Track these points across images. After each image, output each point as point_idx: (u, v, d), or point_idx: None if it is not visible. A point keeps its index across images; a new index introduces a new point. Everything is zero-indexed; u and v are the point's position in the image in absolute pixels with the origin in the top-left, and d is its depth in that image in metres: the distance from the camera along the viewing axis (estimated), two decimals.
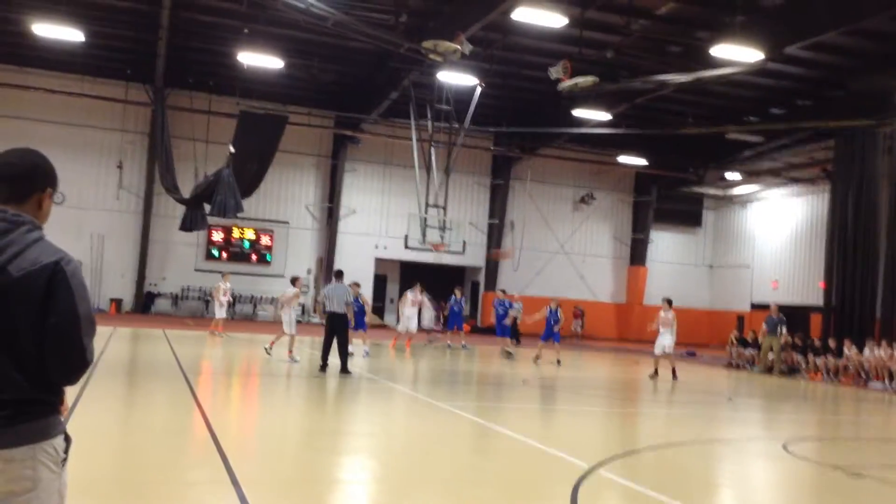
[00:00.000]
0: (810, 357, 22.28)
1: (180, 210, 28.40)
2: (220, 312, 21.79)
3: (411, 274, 35.77)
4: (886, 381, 19.79)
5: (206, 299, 31.91)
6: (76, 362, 2.61)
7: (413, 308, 22.04)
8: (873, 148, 24.51)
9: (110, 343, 17.69)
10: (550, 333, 20.36)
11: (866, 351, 21.02)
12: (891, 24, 19.88)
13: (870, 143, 24.59)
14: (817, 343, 23.22)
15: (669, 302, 18.62)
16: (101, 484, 6.09)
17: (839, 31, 19.26)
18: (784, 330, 22.31)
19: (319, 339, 15.38)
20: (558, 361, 20.36)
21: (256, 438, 8.77)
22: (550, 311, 20.43)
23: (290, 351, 16.41)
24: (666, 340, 18.13)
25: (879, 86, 23.81)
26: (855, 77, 24.85)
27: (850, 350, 21.39)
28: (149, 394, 11.36)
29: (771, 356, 22.32)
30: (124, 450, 7.61)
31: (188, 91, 30.76)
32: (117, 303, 30.93)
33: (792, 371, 22.30)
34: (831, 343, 22.42)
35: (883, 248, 23.78)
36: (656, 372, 18.29)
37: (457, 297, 23.75)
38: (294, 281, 17.35)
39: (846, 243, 24.83)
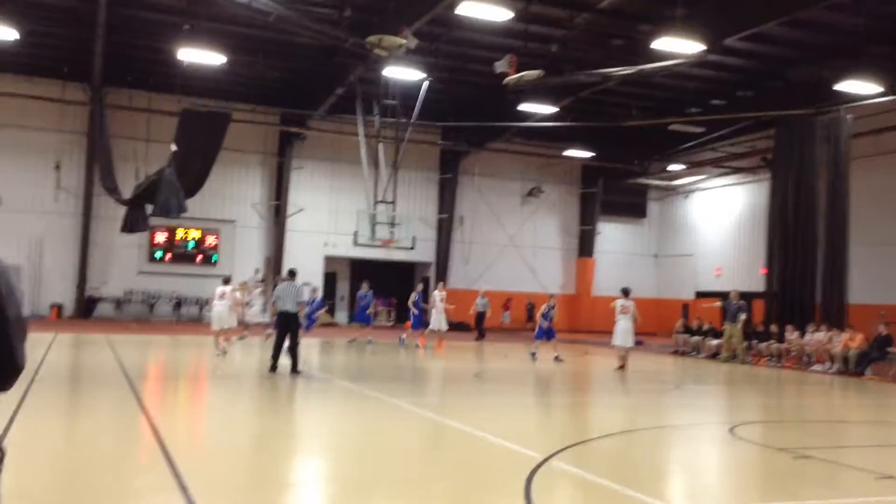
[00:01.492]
0: (754, 342, 22.79)
1: (121, 211, 27.74)
2: (246, 316, 21.68)
3: (362, 271, 35.61)
4: (828, 364, 20.36)
5: (151, 302, 31.33)
6: (7, 367, 2.51)
7: (441, 306, 22.56)
8: (811, 136, 25.10)
9: (51, 350, 17.21)
10: (545, 331, 19.99)
11: (808, 335, 21.60)
12: (827, 15, 20.37)
13: (808, 131, 25.18)
14: (760, 328, 23.74)
15: (626, 291, 18.64)
16: (44, 495, 5.90)
17: (777, 22, 19.66)
18: (744, 317, 22.61)
19: (267, 341, 15.22)
20: (557, 357, 19.68)
21: (205, 442, 8.61)
22: (548, 307, 20.21)
23: (227, 341, 18.00)
24: (629, 331, 18.15)
25: (817, 75, 24.40)
26: (793, 67, 25.43)
27: (792, 334, 21.95)
28: (92, 401, 11.07)
29: (733, 342, 22.63)
30: (67, 459, 7.40)
31: (127, 89, 30.05)
32: (58, 308, 30.13)
33: (736, 356, 22.77)
34: (774, 328, 22.97)
35: (822, 234, 24.37)
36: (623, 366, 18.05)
37: (364, 292, 23.31)
38: (226, 280, 18.79)
39: (786, 230, 25.40)
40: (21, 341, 2.55)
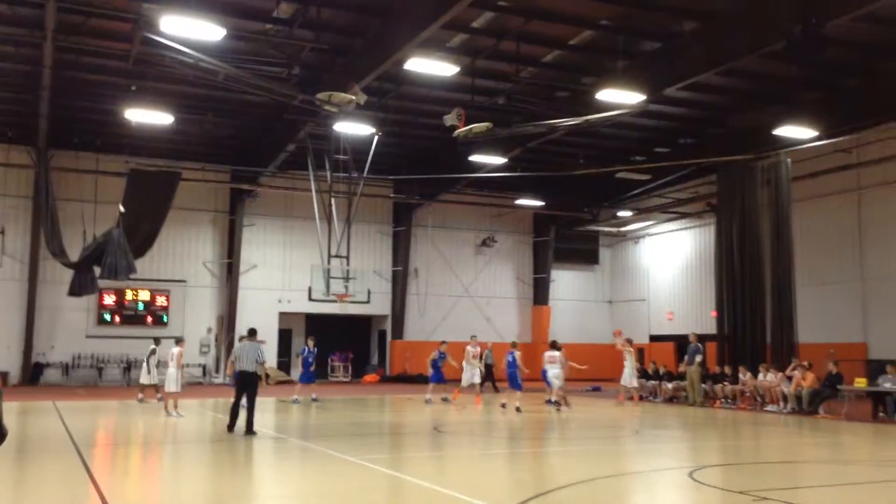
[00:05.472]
0: (709, 384, 23.04)
1: (68, 275, 27.14)
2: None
3: (317, 327, 35.28)
4: (781, 404, 20.64)
5: (100, 367, 30.52)
6: None
7: (474, 361, 22.75)
8: (752, 180, 25.82)
9: None
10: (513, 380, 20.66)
11: (760, 376, 21.92)
12: (761, 64, 21.13)
13: (749, 175, 25.90)
14: (717, 370, 24.02)
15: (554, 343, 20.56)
16: None
17: (714, 72, 20.34)
18: (698, 359, 22.99)
19: (215, 401, 14.92)
20: (503, 405, 20.64)
21: None
22: (512, 356, 20.75)
23: (175, 406, 17.70)
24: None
25: (755, 121, 25.22)
26: (732, 114, 26.27)
27: (745, 376, 22.24)
28: (38, 470, 10.68)
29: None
30: None
31: (74, 151, 29.65)
32: (3, 376, 29.13)
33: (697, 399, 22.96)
34: (727, 370, 23.26)
35: (768, 276, 24.90)
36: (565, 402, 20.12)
37: (309, 349, 22.77)
38: (178, 341, 18.92)
39: (734, 273, 25.90)
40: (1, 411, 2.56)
